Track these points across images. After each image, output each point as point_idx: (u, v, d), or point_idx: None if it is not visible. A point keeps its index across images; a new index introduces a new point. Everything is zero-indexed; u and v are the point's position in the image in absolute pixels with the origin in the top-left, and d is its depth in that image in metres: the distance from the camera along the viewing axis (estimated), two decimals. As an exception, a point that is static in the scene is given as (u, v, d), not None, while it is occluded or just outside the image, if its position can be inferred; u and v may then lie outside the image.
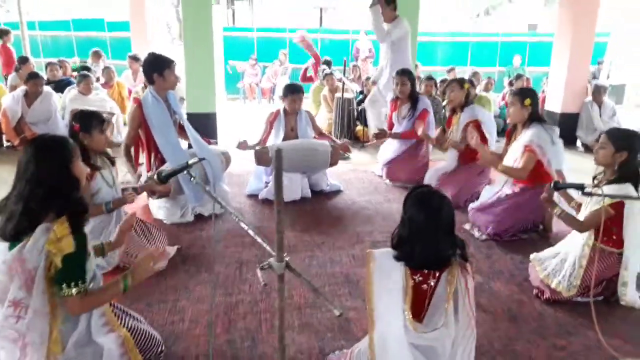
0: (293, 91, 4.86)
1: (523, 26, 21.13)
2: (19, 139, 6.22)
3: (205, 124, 6.33)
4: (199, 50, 6.14)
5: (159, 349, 2.38)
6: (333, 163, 4.95)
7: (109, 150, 3.56)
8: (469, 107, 4.72)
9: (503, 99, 8.26)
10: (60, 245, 1.82)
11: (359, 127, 7.11)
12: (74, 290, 1.87)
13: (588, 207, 3.07)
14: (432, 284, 1.92)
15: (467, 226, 4.15)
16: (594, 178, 3.19)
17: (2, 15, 14.98)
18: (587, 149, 7.04)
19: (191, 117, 6.35)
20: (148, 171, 4.10)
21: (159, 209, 4.22)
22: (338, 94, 7.18)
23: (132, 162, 4.12)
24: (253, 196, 4.80)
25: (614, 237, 3.04)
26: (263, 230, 4.05)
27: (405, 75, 5.35)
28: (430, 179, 4.89)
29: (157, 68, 4.11)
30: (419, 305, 1.92)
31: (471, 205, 4.19)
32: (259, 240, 1.82)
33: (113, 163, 3.43)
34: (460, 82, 4.85)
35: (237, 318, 2.80)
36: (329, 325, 2.74)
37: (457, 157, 4.76)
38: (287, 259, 1.77)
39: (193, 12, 6.13)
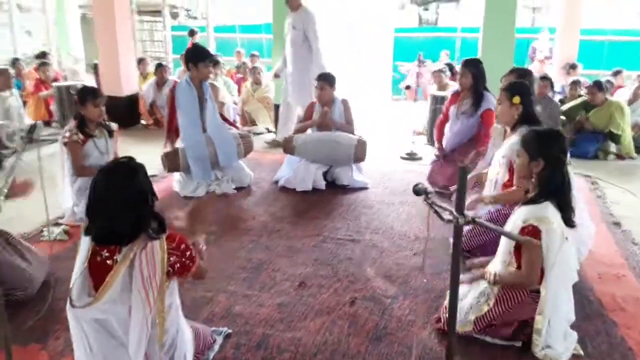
0: (319, 78, 4.84)
1: None
2: (152, 120, 7.48)
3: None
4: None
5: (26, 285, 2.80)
6: (358, 159, 4.77)
7: (113, 124, 4.12)
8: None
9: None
10: None
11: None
12: None
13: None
14: (117, 259, 1.88)
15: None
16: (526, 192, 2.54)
17: (189, 21, 17.77)
18: None
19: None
20: (164, 146, 4.62)
21: (176, 182, 4.70)
22: (439, 93, 6.73)
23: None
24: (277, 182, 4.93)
25: (528, 270, 2.39)
26: (254, 212, 4.19)
27: (467, 66, 4.74)
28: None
29: (193, 59, 4.58)
30: (101, 280, 1.88)
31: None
32: None
33: (111, 135, 3.99)
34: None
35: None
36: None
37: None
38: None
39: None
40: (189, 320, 2.31)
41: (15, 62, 8.60)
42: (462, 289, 2.67)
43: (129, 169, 1.93)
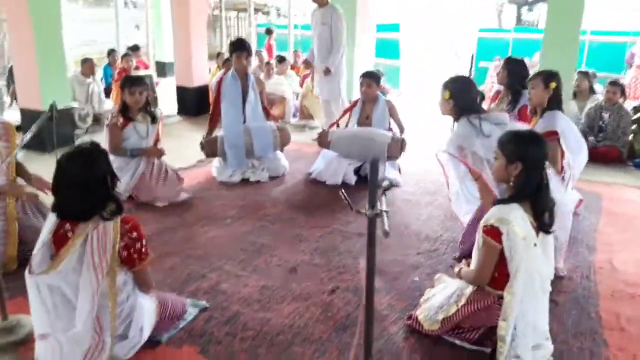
0: (364, 75, 4.86)
1: None
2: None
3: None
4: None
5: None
6: (392, 156, 4.74)
7: (158, 111, 4.44)
8: (551, 113, 3.70)
9: None
10: None
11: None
12: None
13: None
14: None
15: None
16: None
17: (279, 19, 18.17)
18: None
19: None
20: (206, 133, 4.90)
21: (214, 167, 4.96)
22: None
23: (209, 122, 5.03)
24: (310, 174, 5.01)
25: (496, 274, 2.30)
26: (276, 200, 4.34)
27: (504, 63, 4.51)
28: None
29: (230, 50, 4.87)
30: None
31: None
32: None
33: (154, 121, 4.29)
34: (546, 77, 3.62)
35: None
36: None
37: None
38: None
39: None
40: (158, 292, 2.47)
41: (111, 52, 9.45)
42: (436, 288, 2.64)
43: (87, 155, 2.08)
